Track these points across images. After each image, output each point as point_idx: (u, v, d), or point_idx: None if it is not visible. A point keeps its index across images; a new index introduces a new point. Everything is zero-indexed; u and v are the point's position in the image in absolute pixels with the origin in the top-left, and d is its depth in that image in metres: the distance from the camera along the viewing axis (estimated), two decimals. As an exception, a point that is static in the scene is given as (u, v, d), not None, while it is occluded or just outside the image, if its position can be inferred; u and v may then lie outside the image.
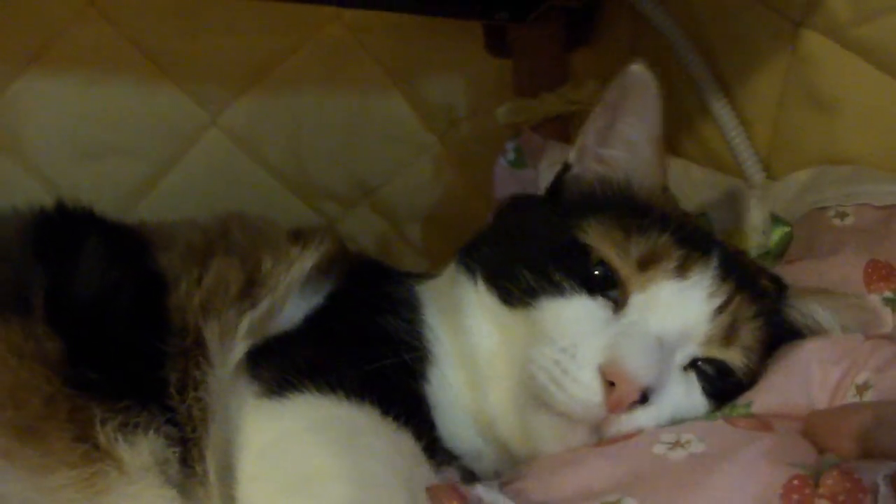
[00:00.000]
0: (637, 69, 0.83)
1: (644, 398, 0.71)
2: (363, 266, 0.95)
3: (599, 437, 0.72)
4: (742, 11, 1.07)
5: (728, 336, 0.76)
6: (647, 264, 0.76)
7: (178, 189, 1.26)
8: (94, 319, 0.78)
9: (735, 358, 0.77)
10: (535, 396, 0.74)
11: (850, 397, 0.72)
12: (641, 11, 1.19)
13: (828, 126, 1.01)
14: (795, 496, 0.58)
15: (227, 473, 0.72)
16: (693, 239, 0.79)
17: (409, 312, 0.84)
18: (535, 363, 0.73)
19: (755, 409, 0.74)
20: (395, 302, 0.85)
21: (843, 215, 0.93)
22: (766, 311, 0.79)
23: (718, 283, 0.77)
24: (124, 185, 1.25)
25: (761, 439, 0.66)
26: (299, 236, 0.89)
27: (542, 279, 0.77)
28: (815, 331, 0.80)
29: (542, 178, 1.11)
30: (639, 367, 0.70)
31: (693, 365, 0.76)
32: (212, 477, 0.73)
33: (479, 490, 0.65)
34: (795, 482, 0.59)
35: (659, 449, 0.67)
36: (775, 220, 0.98)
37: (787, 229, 0.96)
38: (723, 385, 0.76)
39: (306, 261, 0.86)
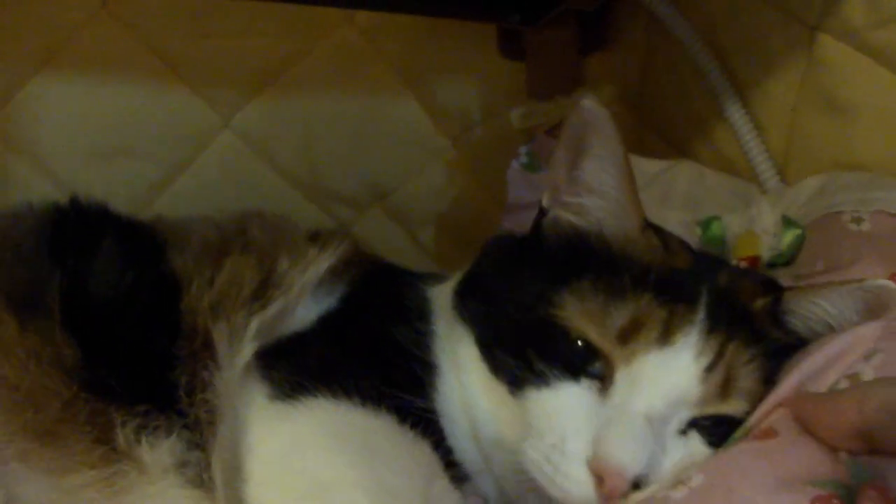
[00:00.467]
0: (588, 105, 0.76)
1: (637, 485, 0.68)
2: (377, 269, 0.94)
3: None
4: (757, 15, 1.07)
5: (723, 391, 0.73)
6: (628, 336, 0.72)
7: (189, 191, 1.26)
8: (110, 323, 0.78)
9: (735, 407, 0.73)
10: (530, 479, 0.72)
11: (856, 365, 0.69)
12: (656, 15, 1.18)
13: (843, 131, 1.00)
14: None
15: (234, 476, 0.72)
16: (677, 286, 0.75)
17: (420, 322, 0.83)
18: (527, 457, 0.72)
19: (751, 421, 0.71)
20: (406, 310, 0.84)
21: (858, 220, 0.92)
22: (763, 350, 0.75)
23: (706, 339, 0.72)
24: (136, 187, 1.25)
25: (766, 455, 0.63)
26: (318, 237, 0.89)
27: (525, 369, 0.74)
28: (820, 332, 0.76)
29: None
30: (625, 461, 0.67)
31: (692, 424, 0.73)
32: (217, 480, 0.72)
33: None
34: None
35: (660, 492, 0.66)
36: (787, 222, 0.97)
37: (798, 231, 0.95)
38: (727, 431, 0.73)
39: (323, 262, 0.85)
